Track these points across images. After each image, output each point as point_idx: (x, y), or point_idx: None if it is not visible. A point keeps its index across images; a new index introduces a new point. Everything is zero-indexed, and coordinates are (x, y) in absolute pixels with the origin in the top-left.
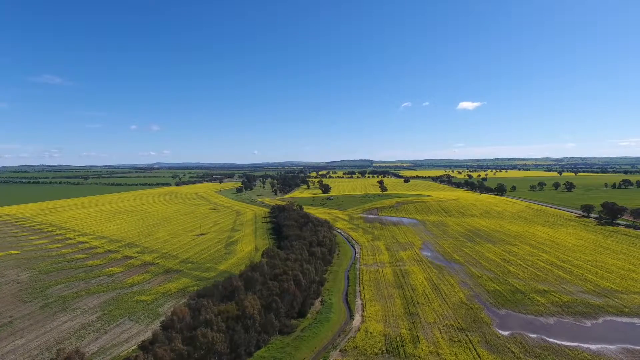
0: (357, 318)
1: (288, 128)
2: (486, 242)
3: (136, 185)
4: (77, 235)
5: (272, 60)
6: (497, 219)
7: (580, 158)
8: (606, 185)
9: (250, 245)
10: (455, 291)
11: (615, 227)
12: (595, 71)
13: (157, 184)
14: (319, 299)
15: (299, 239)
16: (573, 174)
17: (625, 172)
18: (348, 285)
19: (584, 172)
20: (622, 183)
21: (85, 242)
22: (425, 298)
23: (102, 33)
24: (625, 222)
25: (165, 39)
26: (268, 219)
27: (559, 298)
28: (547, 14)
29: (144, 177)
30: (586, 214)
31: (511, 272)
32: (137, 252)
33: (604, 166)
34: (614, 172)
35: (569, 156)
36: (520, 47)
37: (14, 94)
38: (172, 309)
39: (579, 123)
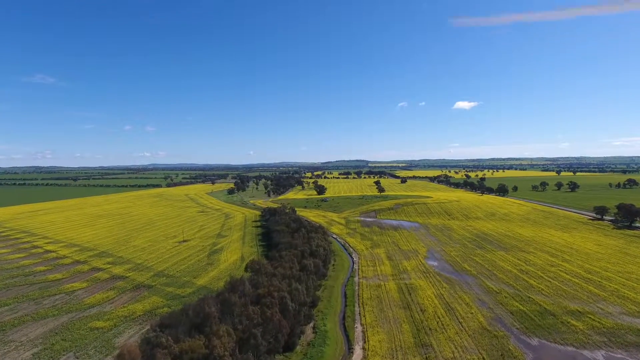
0: (358, 352)
1: (284, 128)
2: (497, 248)
3: (126, 186)
4: (46, 243)
5: (269, 61)
6: (504, 221)
7: (575, 158)
8: (610, 185)
9: (235, 254)
10: (472, 312)
11: (635, 231)
12: (590, 71)
13: (148, 186)
14: (311, 324)
15: (289, 247)
16: (572, 174)
17: (624, 172)
18: (345, 305)
19: (581, 171)
20: (627, 183)
21: (53, 251)
22: (438, 322)
23: (96, 33)
24: None
25: (160, 40)
26: (259, 223)
27: (599, 322)
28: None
29: (136, 178)
30: (600, 217)
31: (533, 286)
32: (108, 263)
33: (600, 165)
34: (612, 171)
35: (563, 156)
36: (515, 47)
37: (5, 94)
38: (126, 342)
39: (573, 123)
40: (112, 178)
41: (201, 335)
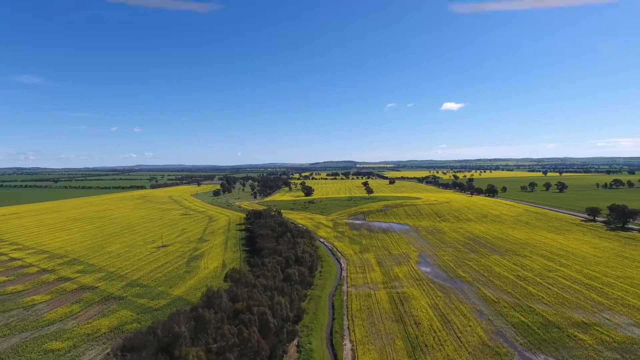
0: None
1: (272, 129)
2: (492, 252)
3: (109, 188)
4: (13, 250)
5: (258, 63)
6: (496, 223)
7: (560, 158)
8: (597, 185)
9: (217, 260)
10: (471, 325)
11: (629, 233)
12: (575, 74)
13: (132, 187)
14: (295, 341)
15: (273, 254)
16: (558, 174)
17: (608, 172)
18: (333, 318)
19: (566, 172)
20: (613, 183)
21: (18, 259)
22: (434, 337)
23: (83, 33)
24: (638, 227)
25: (147, 40)
26: (243, 226)
27: (608, 335)
28: (527, 17)
29: (120, 179)
30: (592, 218)
31: (533, 294)
32: (78, 272)
33: (583, 166)
34: (596, 172)
35: (548, 157)
36: (503, 50)
37: None
38: None
39: (558, 124)
40: (96, 179)
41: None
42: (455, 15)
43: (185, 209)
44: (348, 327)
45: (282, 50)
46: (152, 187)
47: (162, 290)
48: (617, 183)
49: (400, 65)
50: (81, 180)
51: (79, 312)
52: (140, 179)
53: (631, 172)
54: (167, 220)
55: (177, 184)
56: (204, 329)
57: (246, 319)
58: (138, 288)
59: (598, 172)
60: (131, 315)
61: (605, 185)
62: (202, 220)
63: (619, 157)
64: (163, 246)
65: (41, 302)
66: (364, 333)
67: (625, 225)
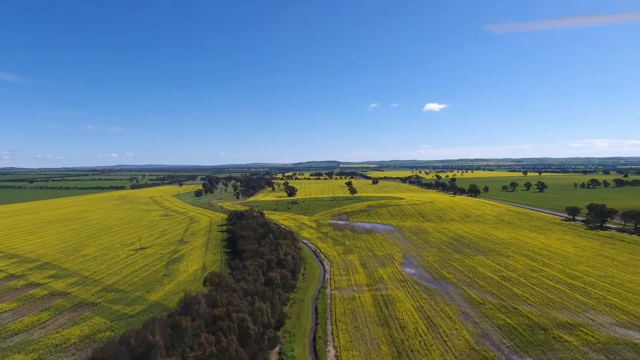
0: None
1: (255, 129)
2: (475, 253)
3: (87, 188)
4: None
5: (240, 62)
6: (479, 223)
7: (538, 159)
8: (575, 185)
9: (197, 262)
10: (457, 328)
11: (608, 232)
12: (551, 78)
13: (111, 187)
14: (277, 348)
15: (255, 256)
16: (537, 174)
17: (584, 172)
18: (316, 323)
19: (545, 172)
20: (590, 183)
21: None
22: (420, 342)
23: (59, 29)
24: (615, 226)
25: (124, 36)
26: (225, 227)
27: (592, 336)
28: (508, 20)
29: (99, 179)
30: (572, 217)
31: (517, 295)
32: (49, 277)
33: (561, 166)
34: (573, 171)
35: (527, 157)
36: (483, 53)
37: None
38: None
39: (536, 126)
40: (75, 180)
41: None
42: (438, 17)
43: (166, 209)
44: (332, 332)
45: (266, 49)
46: (133, 187)
47: (139, 295)
48: (594, 183)
49: (384, 65)
50: (58, 180)
51: (47, 320)
52: (121, 179)
53: (606, 172)
54: (146, 222)
55: (158, 184)
56: (181, 338)
57: (225, 327)
58: (113, 293)
59: (575, 172)
60: (104, 323)
61: (583, 185)
62: (183, 222)
63: (594, 158)
64: (141, 248)
65: (6, 311)
66: (348, 338)
67: (604, 225)
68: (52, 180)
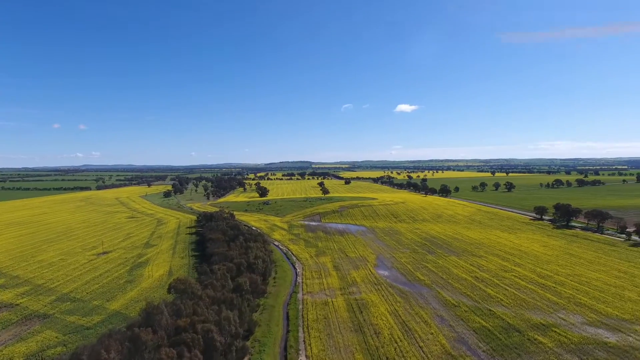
0: None
1: (227, 129)
2: (448, 253)
3: (49, 189)
4: None
5: (210, 60)
6: (451, 223)
7: (505, 159)
8: (541, 185)
9: (163, 267)
10: (432, 333)
11: (573, 231)
12: (515, 81)
13: (75, 188)
14: (246, 358)
15: (224, 260)
16: (505, 174)
17: (548, 172)
18: (288, 331)
19: (512, 172)
20: (554, 183)
21: None
22: (395, 348)
23: (16, 20)
24: (580, 225)
25: (89, 33)
26: (194, 229)
27: (565, 337)
28: (475, 23)
29: (63, 180)
30: (540, 217)
31: (491, 296)
32: None
33: (526, 166)
34: (538, 172)
35: (495, 158)
36: (451, 55)
37: None
38: None
39: (503, 127)
40: (36, 180)
41: None
42: (408, 20)
43: (133, 211)
44: (304, 340)
45: (237, 47)
46: (99, 188)
47: (98, 305)
48: (558, 183)
49: (356, 65)
50: (17, 181)
51: None
52: (86, 180)
53: (568, 173)
54: (111, 224)
55: (126, 185)
56: (140, 353)
57: (189, 339)
58: (69, 303)
59: (540, 172)
60: (56, 337)
61: (548, 185)
62: (150, 224)
63: (557, 159)
64: (104, 253)
65: None
66: (321, 347)
67: (569, 224)
68: (10, 181)
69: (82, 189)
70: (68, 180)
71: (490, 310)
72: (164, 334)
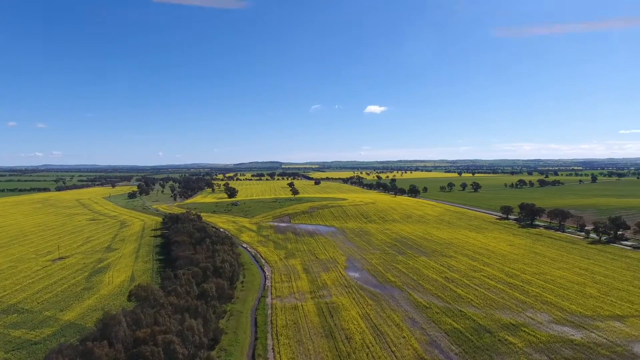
0: None
1: (196, 128)
2: (419, 254)
3: (2, 191)
4: None
5: (177, 58)
6: (420, 224)
7: (471, 160)
8: (506, 185)
9: (125, 272)
10: (404, 337)
11: (537, 230)
12: (481, 84)
13: (32, 190)
14: None
15: (189, 264)
16: (471, 175)
17: (512, 173)
18: (256, 338)
19: (478, 173)
20: (518, 183)
21: None
22: (367, 354)
23: None
24: (543, 224)
25: (51, 27)
26: (159, 232)
27: (534, 336)
28: (442, 24)
29: (19, 181)
30: (505, 216)
31: (462, 297)
32: None
33: (491, 167)
34: (502, 172)
35: (461, 158)
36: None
37: None
38: None
39: (469, 129)
40: None
41: None
42: (377, 20)
43: (94, 213)
44: (273, 348)
45: (203, 47)
46: (58, 189)
47: (50, 315)
48: (521, 183)
49: (326, 65)
50: None
51: None
52: (45, 181)
53: (529, 173)
54: (70, 227)
55: (88, 186)
56: None
57: (148, 352)
58: (16, 315)
59: (504, 172)
60: None
61: (512, 185)
62: (113, 226)
63: (519, 160)
64: (60, 258)
65: None
66: (290, 354)
67: (533, 223)
68: None
69: (40, 190)
70: (25, 181)
71: (461, 311)
72: (121, 347)
